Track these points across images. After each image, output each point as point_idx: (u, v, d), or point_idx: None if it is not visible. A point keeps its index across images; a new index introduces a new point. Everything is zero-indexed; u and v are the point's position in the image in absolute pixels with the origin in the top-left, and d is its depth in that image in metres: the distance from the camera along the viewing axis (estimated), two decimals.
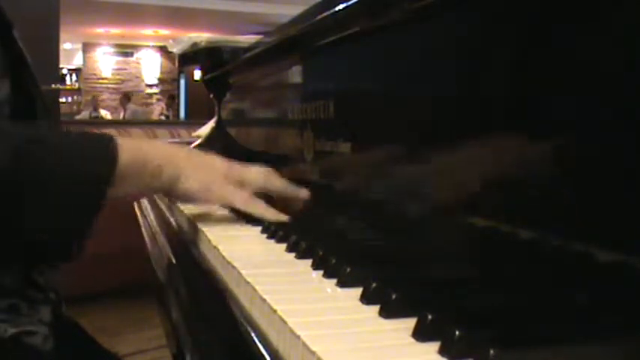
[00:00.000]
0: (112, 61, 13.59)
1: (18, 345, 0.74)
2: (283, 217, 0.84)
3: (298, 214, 0.87)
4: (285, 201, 0.89)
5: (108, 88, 13.38)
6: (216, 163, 0.85)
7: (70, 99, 12.28)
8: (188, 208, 1.00)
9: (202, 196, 0.81)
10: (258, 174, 0.86)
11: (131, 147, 0.72)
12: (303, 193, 0.90)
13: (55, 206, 0.66)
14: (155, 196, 1.32)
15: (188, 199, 0.83)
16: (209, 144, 1.76)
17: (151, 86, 13.66)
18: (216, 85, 1.78)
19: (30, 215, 0.65)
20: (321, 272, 0.60)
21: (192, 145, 1.84)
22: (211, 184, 0.81)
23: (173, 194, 0.81)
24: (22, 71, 0.86)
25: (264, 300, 0.51)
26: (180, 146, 0.88)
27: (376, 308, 0.48)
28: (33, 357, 0.76)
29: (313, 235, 0.72)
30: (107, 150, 0.70)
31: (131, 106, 10.50)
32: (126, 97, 10.67)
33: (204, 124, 2.06)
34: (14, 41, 0.87)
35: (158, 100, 12.76)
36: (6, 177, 0.63)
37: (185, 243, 0.91)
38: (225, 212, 0.96)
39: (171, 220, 1.10)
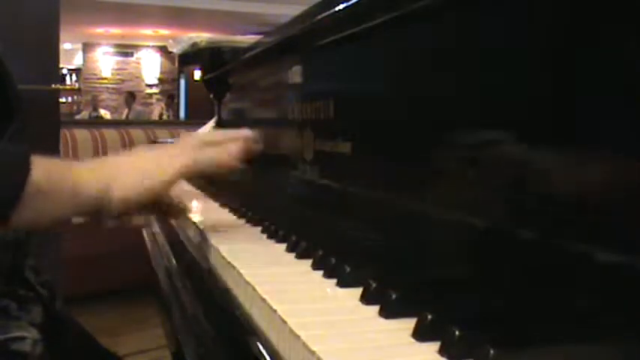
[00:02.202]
0: (112, 61, 13.58)
1: (5, 352, 0.71)
2: (236, 148, 0.77)
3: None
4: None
5: (108, 88, 13.38)
6: (145, 154, 0.77)
7: (70, 99, 12.28)
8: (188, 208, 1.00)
9: (142, 188, 0.71)
10: (196, 135, 0.80)
11: (45, 164, 0.65)
12: (247, 143, 0.81)
13: None
14: None
15: (129, 203, 0.71)
16: None
17: (150, 86, 13.66)
18: (216, 85, 1.78)
19: None
20: (321, 272, 0.60)
21: None
22: (149, 170, 0.73)
23: (110, 211, 0.69)
24: None
25: (264, 300, 0.51)
26: (105, 157, 0.78)
27: (376, 308, 0.48)
28: None
29: (313, 235, 0.72)
30: (17, 169, 0.62)
31: (136, 107, 10.50)
32: (131, 97, 10.64)
33: (204, 124, 2.06)
34: None
35: (158, 100, 12.76)
36: None
37: (185, 243, 0.91)
38: (225, 212, 0.96)
39: (171, 220, 1.10)
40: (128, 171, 0.72)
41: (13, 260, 0.80)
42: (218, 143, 0.79)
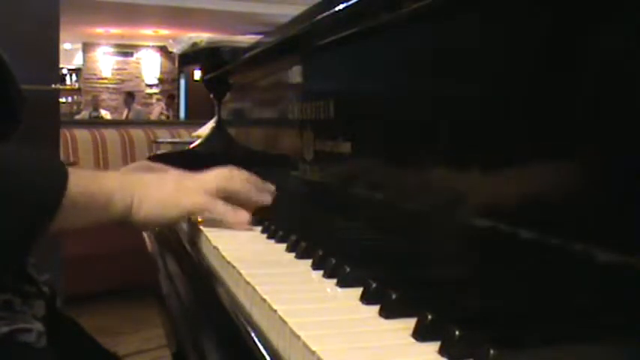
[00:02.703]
0: (112, 61, 13.58)
1: (12, 343, 0.74)
2: (244, 218, 0.81)
3: (268, 214, 0.85)
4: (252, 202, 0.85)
5: (108, 88, 13.38)
6: (168, 179, 0.82)
7: (70, 99, 12.28)
8: None
9: (161, 217, 0.77)
10: (216, 177, 0.82)
11: (80, 177, 0.69)
12: (266, 197, 0.86)
13: None
14: None
15: (149, 225, 0.80)
16: (209, 144, 1.76)
17: (150, 86, 13.66)
18: (216, 85, 1.78)
19: None
20: (321, 272, 0.60)
21: (192, 145, 1.84)
22: (167, 202, 0.77)
23: (131, 224, 0.76)
24: None
25: (264, 300, 0.51)
26: (131, 173, 0.84)
27: (376, 308, 0.48)
28: (27, 354, 0.76)
29: (313, 235, 0.72)
30: (55, 179, 0.66)
31: (136, 107, 10.50)
32: (130, 97, 10.64)
33: (204, 124, 2.06)
34: None
35: (158, 100, 12.76)
36: None
37: (185, 243, 0.91)
38: None
39: None
40: (151, 196, 0.76)
41: None
42: (236, 194, 0.83)
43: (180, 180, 0.82)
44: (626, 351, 0.40)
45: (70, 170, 0.68)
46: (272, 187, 0.89)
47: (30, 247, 0.65)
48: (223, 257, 0.67)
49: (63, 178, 0.66)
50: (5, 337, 0.74)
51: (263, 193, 0.87)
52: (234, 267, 0.62)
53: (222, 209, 0.81)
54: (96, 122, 6.37)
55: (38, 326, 0.78)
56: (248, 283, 0.57)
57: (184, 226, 0.97)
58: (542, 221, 0.53)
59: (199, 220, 0.88)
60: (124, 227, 0.76)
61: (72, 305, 0.97)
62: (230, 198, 0.82)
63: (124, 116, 9.85)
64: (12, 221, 0.63)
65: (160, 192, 0.78)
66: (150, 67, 13.70)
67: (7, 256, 0.65)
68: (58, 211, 0.65)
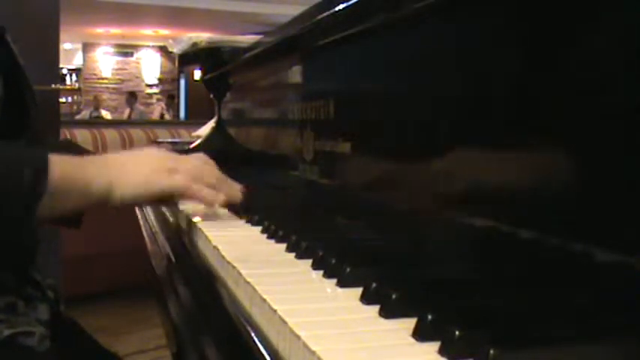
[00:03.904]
0: (112, 61, 13.58)
1: (13, 346, 0.74)
2: (220, 198, 0.83)
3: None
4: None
5: (108, 88, 13.38)
6: (149, 157, 0.84)
7: (70, 99, 12.27)
8: (188, 208, 1.00)
9: (142, 195, 0.79)
10: (193, 164, 0.85)
11: (62, 164, 0.72)
12: (235, 192, 0.88)
13: None
14: None
15: (130, 203, 0.81)
16: (209, 144, 1.76)
17: (150, 86, 13.66)
18: (216, 85, 1.78)
19: None
20: (321, 272, 0.60)
21: (192, 145, 1.84)
22: (147, 179, 0.79)
23: (113, 204, 0.78)
24: (15, 73, 0.87)
25: (264, 300, 0.51)
26: (112, 154, 0.86)
27: (376, 308, 0.48)
28: (28, 358, 0.76)
29: (313, 235, 0.72)
30: (38, 166, 0.69)
31: (139, 107, 10.50)
32: (133, 97, 10.64)
33: (204, 124, 2.06)
34: (7, 44, 0.88)
35: (158, 100, 12.76)
36: None
37: (185, 243, 0.91)
38: (225, 212, 0.96)
39: (172, 220, 1.10)
40: (127, 177, 0.78)
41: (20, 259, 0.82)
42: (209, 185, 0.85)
43: (161, 160, 0.83)
44: (626, 351, 0.40)
45: (52, 158, 0.70)
46: (240, 186, 0.90)
47: (15, 235, 0.69)
48: (223, 257, 0.67)
49: (45, 170, 0.68)
50: (6, 340, 0.74)
51: (232, 188, 0.88)
52: (234, 267, 0.62)
53: (199, 190, 0.82)
54: (96, 122, 6.36)
55: (41, 330, 0.78)
56: (248, 283, 0.56)
57: (185, 225, 0.97)
58: (543, 221, 0.53)
59: (199, 220, 0.88)
60: (105, 208, 0.78)
61: (72, 306, 0.97)
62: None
63: (125, 116, 9.84)
64: (2, 209, 0.66)
65: (136, 173, 0.79)
66: (150, 67, 13.70)
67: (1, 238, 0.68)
68: (41, 198, 0.67)
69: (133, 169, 0.80)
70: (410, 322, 0.44)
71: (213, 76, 1.77)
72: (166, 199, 0.86)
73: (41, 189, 0.67)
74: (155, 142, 3.90)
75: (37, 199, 0.67)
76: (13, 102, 0.85)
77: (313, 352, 0.40)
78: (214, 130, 1.81)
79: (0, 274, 0.78)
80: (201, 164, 0.86)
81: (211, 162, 0.88)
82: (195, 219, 0.90)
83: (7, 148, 0.71)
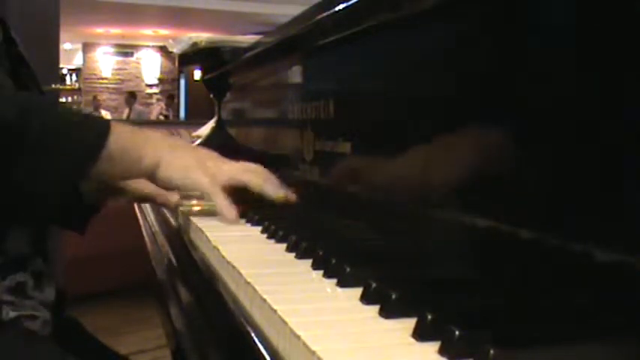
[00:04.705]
0: (112, 61, 13.58)
1: (16, 328, 0.76)
2: (236, 215, 0.81)
3: (283, 214, 0.86)
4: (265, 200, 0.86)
5: (108, 88, 13.38)
6: (197, 152, 0.88)
7: (70, 99, 12.27)
8: (188, 208, 1.00)
9: (180, 183, 0.83)
10: (234, 166, 0.86)
11: (121, 132, 0.77)
12: (280, 193, 0.87)
13: (42, 168, 0.72)
14: None
15: (167, 184, 0.85)
16: (209, 144, 1.76)
17: (150, 86, 13.65)
18: (216, 85, 1.78)
19: (22, 169, 0.71)
20: (321, 272, 0.60)
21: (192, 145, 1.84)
22: (188, 172, 0.83)
23: (153, 179, 0.83)
24: (22, 72, 0.88)
25: (264, 300, 0.51)
26: (167, 135, 0.88)
27: (376, 308, 0.48)
28: (29, 340, 0.77)
29: (313, 235, 0.72)
30: (99, 130, 0.75)
31: (137, 107, 10.49)
32: (132, 97, 10.63)
33: (204, 124, 2.06)
34: (13, 42, 0.89)
35: (158, 100, 12.75)
36: (10, 130, 0.69)
37: (185, 243, 0.91)
38: None
39: (172, 220, 1.10)
40: (177, 156, 0.83)
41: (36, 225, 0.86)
42: (251, 188, 0.86)
43: (206, 159, 0.86)
44: (626, 351, 0.40)
45: (112, 126, 0.76)
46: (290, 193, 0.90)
47: (72, 189, 0.78)
48: (223, 257, 0.67)
49: (104, 134, 0.75)
50: (11, 322, 0.75)
51: (279, 189, 0.88)
52: (234, 267, 0.62)
53: (221, 200, 0.81)
54: None
55: (45, 314, 0.80)
56: (248, 283, 0.57)
57: (185, 225, 0.97)
58: (543, 221, 0.53)
59: (199, 220, 0.88)
60: (149, 180, 0.85)
61: (72, 305, 0.97)
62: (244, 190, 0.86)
63: (124, 116, 9.84)
64: (61, 163, 0.73)
65: (185, 163, 0.83)
66: (150, 67, 13.70)
67: (55, 194, 0.75)
68: (98, 160, 0.74)
69: (181, 153, 0.84)
70: (410, 322, 0.44)
71: (213, 76, 1.77)
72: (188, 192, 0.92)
73: (98, 152, 0.74)
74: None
75: (93, 160, 0.73)
76: None
77: (313, 352, 0.40)
78: (214, 130, 1.81)
79: (15, 243, 0.81)
80: (241, 172, 0.86)
81: (259, 169, 0.88)
82: (196, 219, 0.90)
83: (75, 112, 0.79)
